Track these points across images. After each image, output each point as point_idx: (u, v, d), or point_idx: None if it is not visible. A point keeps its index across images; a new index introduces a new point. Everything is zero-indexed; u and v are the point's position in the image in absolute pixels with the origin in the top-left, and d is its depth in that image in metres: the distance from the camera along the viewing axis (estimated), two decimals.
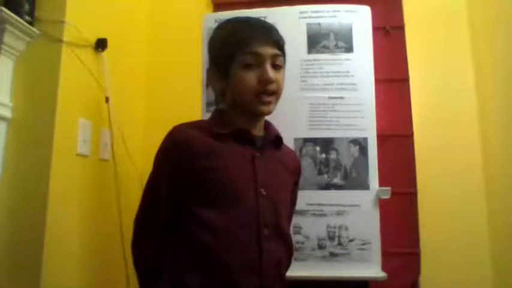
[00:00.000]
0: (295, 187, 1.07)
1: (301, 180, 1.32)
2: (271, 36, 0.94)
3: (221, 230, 0.87)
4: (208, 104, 1.35)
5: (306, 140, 1.35)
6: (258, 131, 0.99)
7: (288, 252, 0.97)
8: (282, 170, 0.99)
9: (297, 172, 1.07)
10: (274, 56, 0.93)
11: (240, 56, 0.91)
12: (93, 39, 1.26)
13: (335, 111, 1.36)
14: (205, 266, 0.86)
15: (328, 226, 1.31)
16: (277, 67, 0.94)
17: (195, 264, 0.86)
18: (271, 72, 0.91)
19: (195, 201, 0.89)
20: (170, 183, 0.91)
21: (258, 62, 0.91)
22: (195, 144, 0.90)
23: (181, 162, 0.90)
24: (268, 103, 0.93)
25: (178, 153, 0.91)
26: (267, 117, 1.01)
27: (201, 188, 0.90)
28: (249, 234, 0.88)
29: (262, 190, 0.91)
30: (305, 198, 1.32)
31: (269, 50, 0.92)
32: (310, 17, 1.42)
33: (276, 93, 0.94)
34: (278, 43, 0.94)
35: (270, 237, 0.89)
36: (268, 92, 0.92)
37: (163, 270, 0.89)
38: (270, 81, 0.91)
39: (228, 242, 0.87)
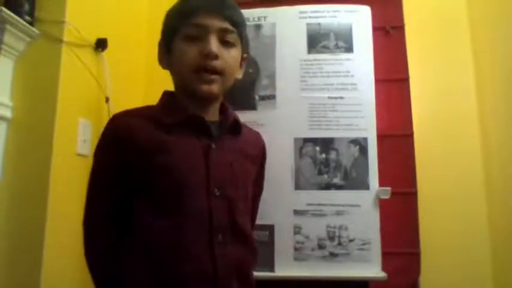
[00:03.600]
0: (258, 175, 0.95)
1: (301, 180, 1.33)
2: (221, 8, 0.82)
3: (171, 240, 0.77)
4: None
5: (306, 140, 1.35)
6: (213, 116, 0.87)
7: (249, 251, 0.87)
8: (242, 159, 0.87)
9: (259, 158, 0.95)
10: (223, 31, 0.81)
11: (184, 27, 0.81)
12: (93, 39, 1.26)
13: (335, 111, 1.36)
14: (157, 277, 0.76)
15: (328, 226, 1.31)
16: (227, 44, 0.82)
17: (147, 275, 0.77)
18: (214, 46, 0.79)
19: (141, 205, 0.80)
20: (111, 183, 0.82)
21: (202, 35, 0.80)
22: (137, 138, 0.79)
23: (122, 158, 0.79)
24: (209, 81, 0.80)
25: (118, 148, 0.80)
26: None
27: (146, 190, 0.80)
28: (201, 242, 0.78)
29: (215, 190, 0.80)
30: (305, 198, 1.32)
31: (216, 23, 0.81)
32: (310, 17, 1.42)
33: (221, 73, 0.81)
34: (231, 18, 0.82)
35: (225, 242, 0.80)
36: (210, 68, 0.79)
37: (116, 279, 0.80)
38: (211, 54, 0.79)
39: (178, 253, 0.76)
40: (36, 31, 1.06)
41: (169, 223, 0.77)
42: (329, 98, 1.37)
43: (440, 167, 1.63)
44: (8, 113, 1.03)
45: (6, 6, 0.96)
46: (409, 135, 1.60)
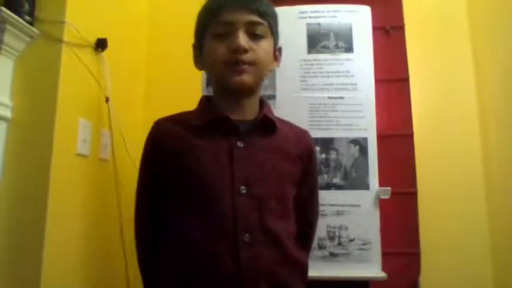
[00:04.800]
0: (304, 178, 0.89)
1: None
2: (247, 1, 0.81)
3: (195, 240, 0.76)
4: None
5: None
6: (246, 115, 0.85)
7: (284, 256, 0.80)
8: (276, 157, 0.84)
9: (302, 157, 0.88)
10: (252, 24, 0.81)
11: (212, 26, 0.82)
12: (93, 39, 1.26)
13: (335, 111, 1.36)
14: (183, 278, 0.77)
15: (328, 226, 1.31)
16: (257, 36, 0.81)
17: (175, 275, 0.78)
18: (242, 40, 0.79)
19: (172, 205, 0.82)
20: (149, 184, 0.87)
21: (230, 31, 0.80)
22: (167, 142, 0.83)
23: (157, 161, 0.84)
24: (240, 72, 0.79)
25: (154, 152, 0.85)
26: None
27: (175, 190, 0.82)
28: (224, 243, 0.75)
29: (242, 188, 0.78)
30: None
31: (243, 17, 0.80)
32: (310, 17, 1.42)
33: (253, 64, 0.80)
34: (258, 10, 0.81)
35: (255, 243, 0.76)
36: (240, 61, 0.79)
37: (154, 279, 0.84)
38: (239, 48, 0.78)
39: (202, 254, 0.75)
40: (36, 31, 1.06)
41: (193, 224, 0.77)
42: (329, 98, 1.37)
43: (440, 167, 1.63)
44: (8, 113, 1.03)
45: (6, 6, 0.96)
46: (409, 135, 1.60)
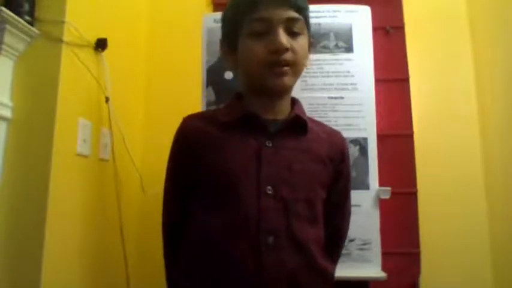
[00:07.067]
0: (335, 181, 0.85)
1: None
2: None
3: (216, 238, 0.74)
4: (208, 104, 1.35)
5: None
6: (277, 114, 0.82)
7: (307, 263, 0.76)
8: (307, 159, 0.80)
9: (334, 160, 0.84)
10: (290, 21, 0.76)
11: (247, 23, 0.77)
12: (93, 39, 1.26)
13: (335, 111, 1.36)
14: (201, 277, 0.75)
15: None
16: (295, 34, 0.77)
17: (192, 272, 0.77)
18: (283, 38, 0.74)
19: (195, 202, 0.80)
20: (175, 180, 0.86)
21: (268, 28, 0.75)
22: (193, 137, 0.81)
23: (182, 157, 0.83)
24: (281, 74, 0.76)
25: (180, 148, 0.84)
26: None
27: (199, 187, 0.80)
28: (246, 243, 0.72)
29: (268, 188, 0.74)
30: None
31: (282, 14, 0.75)
32: (310, 17, 1.42)
33: (293, 65, 0.77)
34: (295, 5, 0.77)
35: (278, 248, 0.72)
36: (281, 62, 0.75)
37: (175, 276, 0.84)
38: (280, 48, 0.74)
39: (221, 256, 0.73)
40: (36, 31, 1.06)
41: (214, 222, 0.75)
42: (329, 98, 1.37)
43: (440, 167, 1.63)
44: (8, 113, 1.03)
45: (6, 6, 0.96)
46: (409, 135, 1.60)
